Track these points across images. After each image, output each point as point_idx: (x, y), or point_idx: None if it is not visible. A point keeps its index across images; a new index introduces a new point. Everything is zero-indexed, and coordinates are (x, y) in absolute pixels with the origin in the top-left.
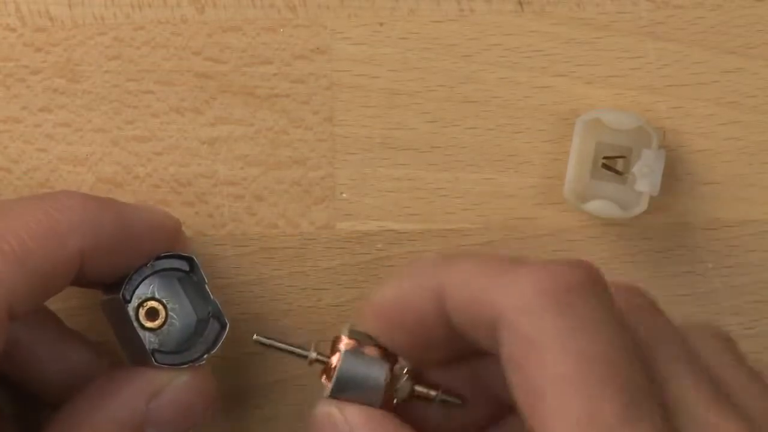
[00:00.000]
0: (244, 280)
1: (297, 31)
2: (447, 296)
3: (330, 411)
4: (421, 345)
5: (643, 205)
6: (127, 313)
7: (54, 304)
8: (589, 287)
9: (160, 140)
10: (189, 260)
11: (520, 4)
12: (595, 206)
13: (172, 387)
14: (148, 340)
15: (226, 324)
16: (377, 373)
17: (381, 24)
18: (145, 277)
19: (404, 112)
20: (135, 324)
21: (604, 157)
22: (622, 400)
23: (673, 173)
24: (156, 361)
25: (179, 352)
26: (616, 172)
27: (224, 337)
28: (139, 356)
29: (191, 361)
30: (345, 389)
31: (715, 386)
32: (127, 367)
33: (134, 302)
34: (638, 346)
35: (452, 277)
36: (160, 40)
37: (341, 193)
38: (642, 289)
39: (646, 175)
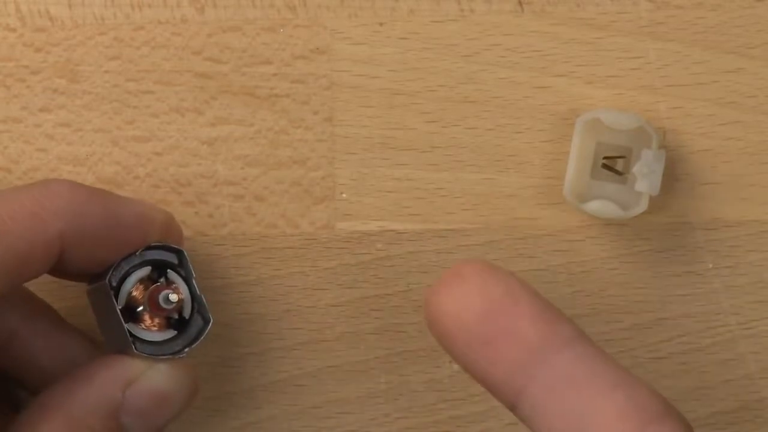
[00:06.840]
0: (243, 280)
1: (297, 31)
2: (535, 407)
3: None
4: None
5: (643, 205)
6: (111, 299)
7: (54, 302)
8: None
9: (160, 140)
10: (178, 253)
11: (520, 4)
12: (595, 206)
13: (149, 376)
14: (128, 329)
15: (209, 319)
16: None
17: (381, 24)
18: (133, 267)
19: (404, 112)
20: (118, 311)
21: (604, 157)
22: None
23: (673, 173)
24: (136, 349)
25: (160, 344)
26: (616, 172)
27: (207, 332)
28: (118, 344)
29: (171, 354)
30: None
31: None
32: (105, 354)
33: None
34: None
35: (543, 379)
36: (160, 40)
37: (341, 193)
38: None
39: (646, 175)
